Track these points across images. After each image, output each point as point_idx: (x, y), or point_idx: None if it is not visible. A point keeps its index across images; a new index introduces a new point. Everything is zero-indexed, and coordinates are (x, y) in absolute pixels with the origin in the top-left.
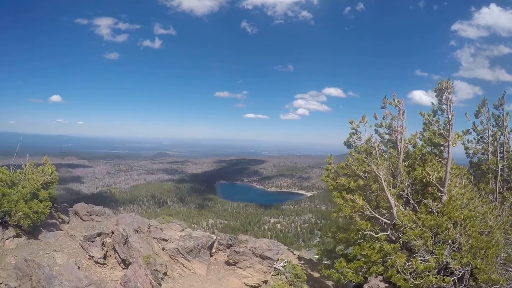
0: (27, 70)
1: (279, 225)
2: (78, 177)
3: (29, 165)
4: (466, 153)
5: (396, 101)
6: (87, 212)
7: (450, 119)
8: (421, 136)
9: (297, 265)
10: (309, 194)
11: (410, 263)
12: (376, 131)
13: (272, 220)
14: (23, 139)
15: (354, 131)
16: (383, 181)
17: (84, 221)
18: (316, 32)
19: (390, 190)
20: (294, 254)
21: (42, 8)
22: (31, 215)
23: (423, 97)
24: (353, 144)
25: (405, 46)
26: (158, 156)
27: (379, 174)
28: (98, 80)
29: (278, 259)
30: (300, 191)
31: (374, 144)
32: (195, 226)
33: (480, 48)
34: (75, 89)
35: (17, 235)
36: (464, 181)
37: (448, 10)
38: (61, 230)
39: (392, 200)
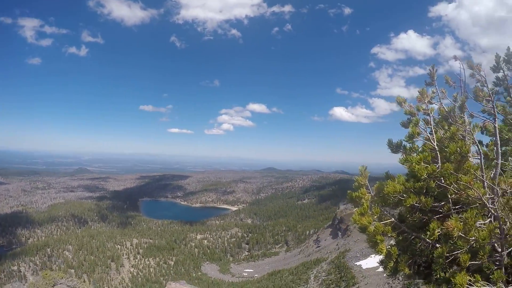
0: None
1: (205, 241)
2: None
3: None
4: None
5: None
6: None
7: None
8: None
9: None
10: (234, 208)
11: None
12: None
13: (199, 237)
14: None
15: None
16: None
17: None
18: (243, 50)
19: None
20: None
21: None
22: None
23: (343, 113)
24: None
25: (327, 66)
26: (78, 172)
27: None
28: (16, 86)
29: None
30: (225, 206)
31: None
32: (119, 247)
33: (396, 69)
34: None
35: None
36: None
37: (369, 35)
38: None
39: None
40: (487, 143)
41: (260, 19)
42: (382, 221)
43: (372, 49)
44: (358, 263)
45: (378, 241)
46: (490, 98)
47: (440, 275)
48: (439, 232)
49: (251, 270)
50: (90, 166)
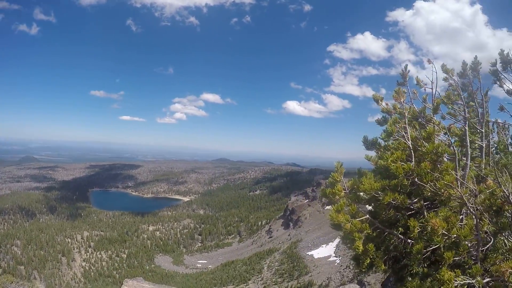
0: None
1: (158, 232)
2: None
3: None
4: None
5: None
6: None
7: None
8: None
9: None
10: (186, 199)
11: None
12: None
13: (151, 228)
14: None
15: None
16: None
17: None
18: (200, 39)
19: None
20: None
21: None
22: None
23: (296, 107)
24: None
25: (283, 60)
26: (25, 160)
27: None
28: None
29: None
30: (177, 196)
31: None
32: (69, 240)
33: (351, 68)
34: None
35: None
36: None
37: (327, 33)
38: None
39: None
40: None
41: (220, 8)
42: (357, 218)
43: (328, 47)
44: (310, 253)
45: (356, 238)
46: (461, 102)
47: (416, 270)
48: (418, 229)
49: (205, 261)
50: (38, 154)
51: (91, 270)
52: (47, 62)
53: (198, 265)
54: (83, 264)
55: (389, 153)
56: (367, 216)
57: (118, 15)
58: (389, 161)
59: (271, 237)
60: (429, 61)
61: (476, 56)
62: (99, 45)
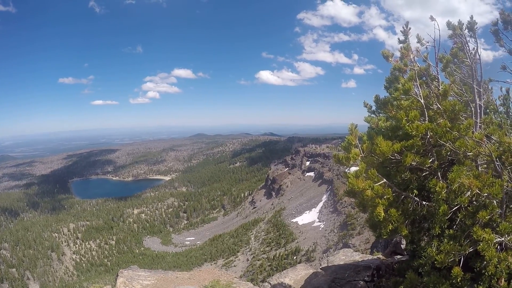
0: None
1: (143, 215)
2: None
3: None
4: None
5: None
6: None
7: None
8: None
9: None
10: (167, 178)
11: None
12: None
13: (136, 211)
14: None
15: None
16: None
17: None
18: (167, 15)
19: None
20: None
21: None
22: None
23: (269, 76)
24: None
25: (252, 31)
26: (0, 160)
27: None
28: None
29: None
30: (158, 177)
31: None
32: (56, 235)
33: (322, 35)
34: None
35: None
36: None
37: (296, 1)
38: None
39: None
40: None
41: None
42: (376, 182)
43: (298, 15)
44: (294, 220)
45: (380, 204)
46: (467, 60)
47: (437, 232)
48: (445, 190)
49: (193, 238)
50: (13, 152)
51: (82, 261)
52: (10, 55)
53: (187, 243)
54: (74, 256)
55: (402, 112)
56: (384, 180)
57: None
58: (404, 120)
59: (255, 207)
60: (431, 18)
61: (471, 16)
62: (63, 31)
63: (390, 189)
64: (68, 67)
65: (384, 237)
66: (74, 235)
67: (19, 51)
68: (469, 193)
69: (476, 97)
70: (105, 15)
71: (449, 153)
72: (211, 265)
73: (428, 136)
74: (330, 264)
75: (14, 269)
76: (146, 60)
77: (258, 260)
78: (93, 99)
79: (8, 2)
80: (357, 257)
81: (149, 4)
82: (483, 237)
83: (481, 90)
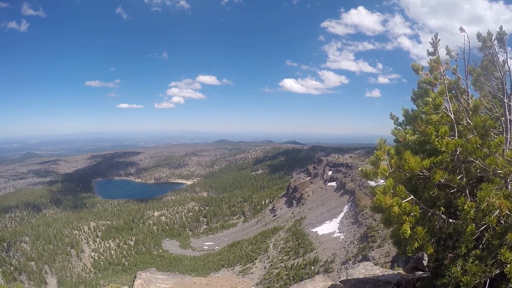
0: None
1: (163, 217)
2: None
3: None
4: None
5: None
6: None
7: None
8: None
9: None
10: (189, 182)
11: None
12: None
13: (156, 214)
14: None
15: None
16: None
17: None
18: (192, 22)
19: None
20: None
21: None
22: None
23: (293, 84)
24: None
25: (277, 39)
26: (26, 157)
27: None
28: None
29: None
30: (180, 181)
31: None
32: (76, 232)
33: (346, 44)
34: None
35: None
36: None
37: (320, 9)
38: None
39: None
40: None
41: None
42: (403, 199)
43: (322, 23)
44: (314, 230)
45: (407, 221)
46: (498, 74)
47: (463, 252)
48: (473, 209)
49: (211, 243)
50: (38, 150)
51: (100, 259)
52: (40, 58)
53: (205, 247)
54: (92, 254)
55: (432, 127)
56: (411, 196)
57: (107, 3)
58: (433, 136)
59: (275, 215)
60: (461, 30)
61: (501, 26)
62: (91, 35)
63: (417, 206)
64: (95, 70)
65: (409, 254)
66: (94, 233)
67: (50, 55)
68: (497, 212)
69: (507, 112)
70: (131, 21)
71: (478, 170)
72: (228, 271)
73: (457, 153)
74: (350, 277)
75: (33, 263)
76: (171, 65)
77: (276, 269)
78: (118, 102)
79: (38, 7)
80: (377, 271)
81: (174, 12)
82: (511, 259)
83: (511, 103)
